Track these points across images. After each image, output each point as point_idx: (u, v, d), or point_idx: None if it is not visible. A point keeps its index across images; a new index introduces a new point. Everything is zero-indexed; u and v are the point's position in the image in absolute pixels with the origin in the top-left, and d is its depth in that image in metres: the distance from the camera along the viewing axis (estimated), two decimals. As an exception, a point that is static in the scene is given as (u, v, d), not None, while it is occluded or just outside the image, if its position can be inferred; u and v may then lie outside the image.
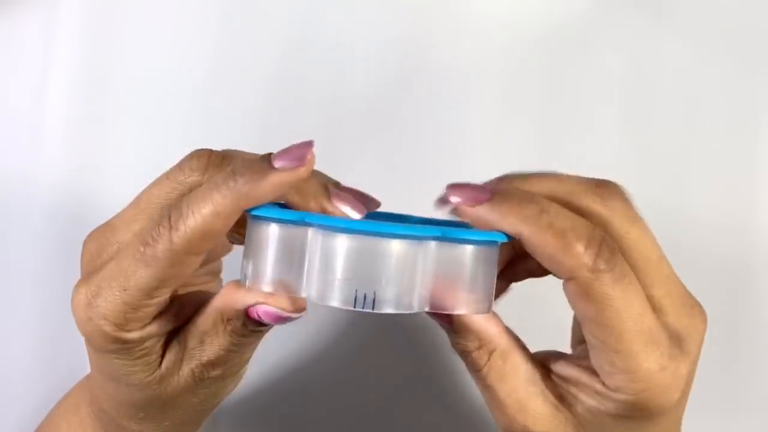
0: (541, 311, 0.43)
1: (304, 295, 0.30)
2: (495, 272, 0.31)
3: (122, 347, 0.31)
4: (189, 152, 0.32)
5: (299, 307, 0.31)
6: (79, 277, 0.32)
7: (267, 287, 0.30)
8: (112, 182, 0.49)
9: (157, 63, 0.50)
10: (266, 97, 0.50)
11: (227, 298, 0.31)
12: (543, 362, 0.32)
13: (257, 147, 0.50)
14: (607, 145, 0.49)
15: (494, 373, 0.31)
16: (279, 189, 0.29)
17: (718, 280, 0.48)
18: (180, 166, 0.31)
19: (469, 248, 0.29)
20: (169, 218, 0.29)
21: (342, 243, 0.29)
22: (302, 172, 0.29)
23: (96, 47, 0.50)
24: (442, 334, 0.32)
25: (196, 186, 0.30)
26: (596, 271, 0.28)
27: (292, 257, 0.30)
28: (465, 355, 0.32)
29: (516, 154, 0.49)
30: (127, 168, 0.49)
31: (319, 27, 0.50)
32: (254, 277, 0.30)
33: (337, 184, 0.33)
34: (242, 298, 0.30)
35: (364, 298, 0.28)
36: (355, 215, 0.31)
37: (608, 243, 0.28)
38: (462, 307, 0.30)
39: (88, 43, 0.50)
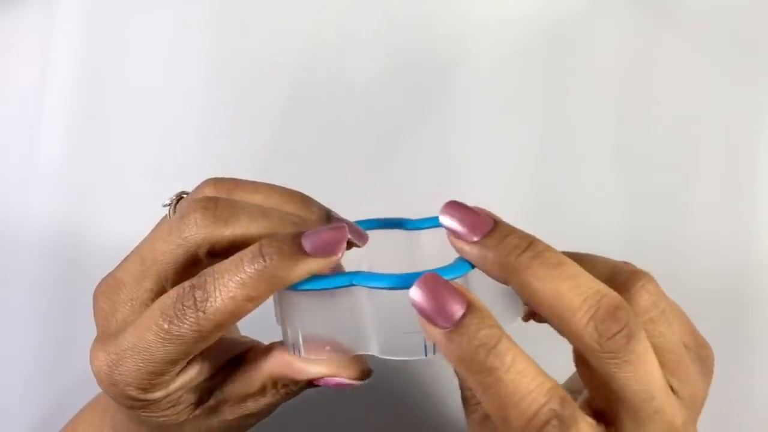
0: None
1: (371, 351, 0.29)
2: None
3: (149, 404, 0.30)
4: (191, 202, 0.30)
5: (366, 374, 0.30)
6: (80, 299, 0.32)
7: (324, 354, 0.29)
8: (112, 183, 0.49)
9: (157, 65, 0.50)
10: (268, 98, 0.49)
11: (283, 368, 0.30)
12: None
13: (258, 148, 0.51)
14: (607, 144, 0.49)
15: (482, 414, 0.30)
16: (309, 273, 0.28)
17: (718, 278, 0.47)
18: (184, 219, 0.30)
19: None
20: (195, 298, 0.28)
21: (396, 298, 0.27)
22: (336, 259, 0.28)
23: (95, 48, 0.50)
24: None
25: (203, 244, 0.30)
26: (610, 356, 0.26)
27: (344, 319, 0.28)
28: (463, 388, 0.31)
29: (516, 154, 0.49)
30: (127, 169, 0.49)
31: (320, 28, 0.50)
32: (307, 345, 0.29)
33: (329, 214, 0.32)
34: (305, 370, 0.30)
35: (434, 345, 0.27)
36: (359, 242, 0.31)
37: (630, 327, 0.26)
38: None
39: (87, 44, 0.50)
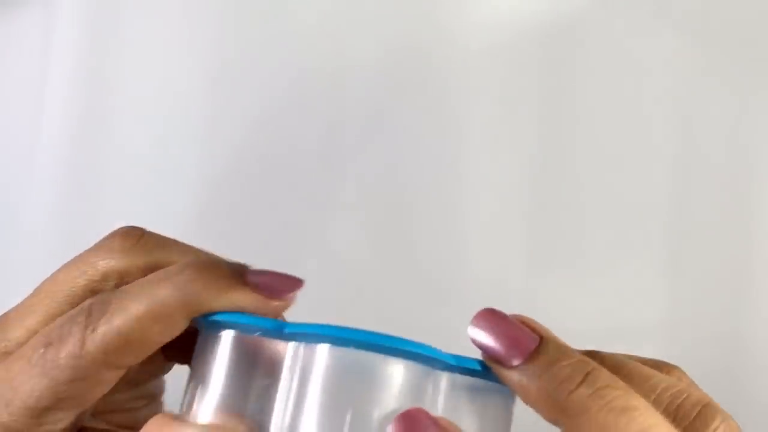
0: None
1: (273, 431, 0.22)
2: (510, 418, 0.23)
3: None
4: (114, 230, 0.25)
5: None
6: None
7: (216, 418, 0.22)
8: (112, 184, 0.49)
9: (157, 65, 0.50)
10: (267, 98, 0.49)
11: None
12: None
13: (259, 147, 0.51)
14: (607, 144, 0.49)
15: None
16: (239, 307, 0.22)
17: (718, 281, 0.48)
18: (98, 245, 0.24)
19: (482, 385, 0.22)
20: (89, 312, 0.21)
21: (334, 361, 0.21)
22: (277, 305, 0.22)
23: (95, 49, 0.50)
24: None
25: (111, 273, 0.23)
26: None
27: (260, 379, 0.22)
28: None
29: (516, 155, 0.49)
30: (127, 169, 0.49)
31: (318, 27, 0.50)
32: (201, 405, 0.22)
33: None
34: None
35: None
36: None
37: None
38: None
39: (87, 45, 0.50)
